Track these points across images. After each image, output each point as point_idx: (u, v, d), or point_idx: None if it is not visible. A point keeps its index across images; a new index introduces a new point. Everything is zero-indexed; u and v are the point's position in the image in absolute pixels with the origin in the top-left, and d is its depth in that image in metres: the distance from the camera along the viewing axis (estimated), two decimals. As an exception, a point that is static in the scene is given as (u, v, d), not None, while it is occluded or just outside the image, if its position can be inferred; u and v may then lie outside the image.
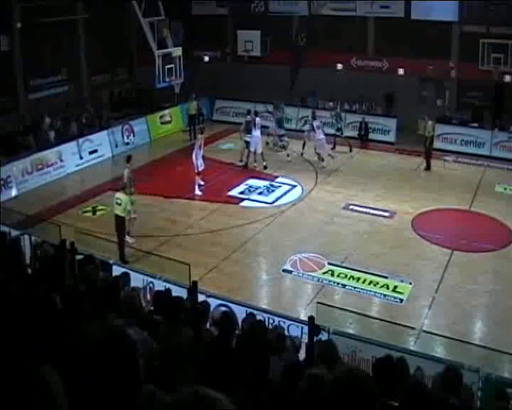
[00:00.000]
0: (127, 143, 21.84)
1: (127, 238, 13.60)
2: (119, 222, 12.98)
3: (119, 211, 12.99)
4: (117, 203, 13.05)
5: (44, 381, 1.65)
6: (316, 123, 19.63)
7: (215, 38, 26.76)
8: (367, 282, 12.21)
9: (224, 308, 8.31)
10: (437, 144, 20.58)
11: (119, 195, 13.09)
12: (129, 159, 14.73)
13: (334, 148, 21.18)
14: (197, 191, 17.17)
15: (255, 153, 19.20)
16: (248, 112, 20.20)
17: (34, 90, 21.10)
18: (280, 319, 8.61)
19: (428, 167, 19.49)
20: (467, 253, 13.60)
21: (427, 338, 9.80)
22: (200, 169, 17.20)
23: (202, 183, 17.52)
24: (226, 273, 12.56)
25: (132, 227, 13.99)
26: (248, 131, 19.36)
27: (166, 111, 23.82)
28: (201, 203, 16.64)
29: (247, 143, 19.31)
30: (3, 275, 5.20)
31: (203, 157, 17.42)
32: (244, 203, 16.75)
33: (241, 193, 17.39)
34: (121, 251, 12.82)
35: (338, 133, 21.35)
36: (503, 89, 21.64)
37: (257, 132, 19.16)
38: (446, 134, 21.50)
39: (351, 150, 21.07)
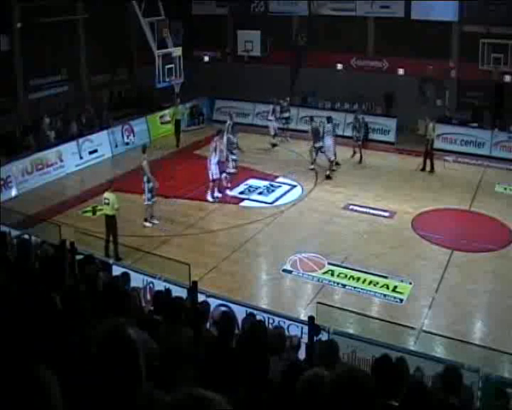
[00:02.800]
0: (127, 143, 21.85)
1: (154, 220, 15.01)
2: (110, 221, 13.14)
3: (108, 210, 13.17)
4: (105, 203, 13.23)
5: (39, 381, 1.65)
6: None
7: (215, 38, 26.75)
8: (367, 282, 12.21)
9: (223, 308, 8.33)
10: (437, 144, 20.56)
11: (107, 194, 13.26)
12: (144, 149, 15.28)
13: (357, 157, 20.34)
14: (209, 197, 16.61)
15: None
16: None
17: (34, 90, 21.11)
18: (280, 319, 8.62)
19: (432, 169, 19.30)
20: (467, 253, 13.60)
21: (427, 338, 9.80)
22: (214, 177, 16.51)
23: (219, 195, 16.77)
24: (226, 273, 12.56)
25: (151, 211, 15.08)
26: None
27: (166, 111, 23.81)
28: (201, 203, 16.63)
29: None
30: (4, 275, 5.20)
31: (220, 163, 16.55)
32: (244, 203, 16.75)
33: (241, 193, 17.39)
34: (116, 249, 12.98)
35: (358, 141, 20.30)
36: (503, 89, 21.64)
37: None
38: (446, 134, 21.50)
39: (353, 156, 20.56)
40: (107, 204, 13.13)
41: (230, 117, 19.04)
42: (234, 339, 5.20)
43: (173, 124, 22.50)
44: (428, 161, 19.36)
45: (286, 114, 22.77)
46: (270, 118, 21.88)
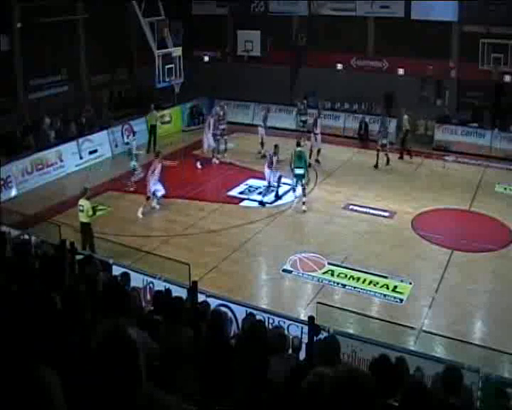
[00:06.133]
0: (127, 143, 21.81)
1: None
2: (85, 229, 12.73)
3: (82, 217, 12.81)
4: (80, 210, 12.86)
5: (42, 381, 1.65)
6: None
7: (215, 38, 26.75)
8: (367, 282, 12.21)
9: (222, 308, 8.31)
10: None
11: (81, 201, 12.89)
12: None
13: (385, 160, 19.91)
14: (139, 213, 15.55)
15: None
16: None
17: (34, 90, 21.08)
18: (280, 319, 8.61)
19: (401, 157, 20.38)
20: (467, 253, 13.60)
21: (427, 338, 9.80)
22: (150, 194, 15.74)
23: (141, 215, 15.51)
24: (226, 273, 12.56)
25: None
26: None
27: (166, 111, 23.81)
28: (201, 203, 16.63)
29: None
30: (4, 275, 5.20)
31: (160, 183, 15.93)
32: (244, 203, 16.75)
33: (241, 193, 17.40)
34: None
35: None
36: (503, 89, 21.65)
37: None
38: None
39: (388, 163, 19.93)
40: (82, 211, 12.77)
41: (222, 108, 20.58)
42: (233, 339, 5.20)
43: (148, 129, 21.64)
44: (400, 152, 20.38)
45: (303, 117, 22.61)
46: (260, 123, 21.15)
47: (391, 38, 23.28)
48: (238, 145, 21.41)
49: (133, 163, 17.77)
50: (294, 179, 16.28)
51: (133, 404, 1.97)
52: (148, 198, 15.80)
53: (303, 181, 16.20)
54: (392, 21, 22.86)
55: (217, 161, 19.82)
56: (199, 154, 20.24)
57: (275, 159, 16.77)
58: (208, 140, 19.84)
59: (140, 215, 15.54)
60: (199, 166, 19.24)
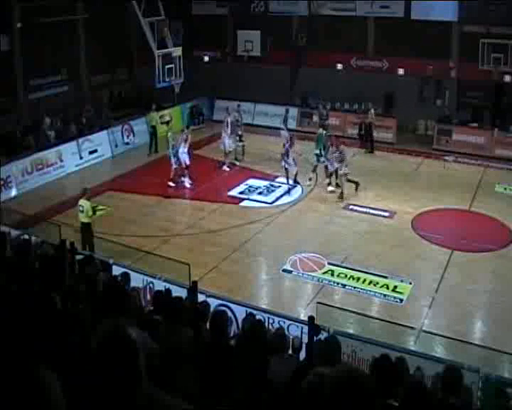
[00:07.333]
0: (127, 143, 21.84)
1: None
2: (85, 229, 12.66)
3: (82, 218, 12.71)
4: (80, 211, 12.75)
5: (42, 381, 1.65)
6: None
7: (215, 38, 26.75)
8: (367, 282, 12.20)
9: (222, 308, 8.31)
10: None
11: (81, 201, 12.79)
12: None
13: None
14: (187, 183, 17.87)
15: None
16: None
17: (34, 90, 21.09)
18: (280, 319, 8.62)
19: (372, 150, 21.29)
20: (467, 253, 13.60)
21: (427, 338, 9.80)
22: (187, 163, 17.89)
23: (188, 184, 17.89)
24: (226, 273, 12.56)
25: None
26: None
27: (166, 111, 23.80)
28: (201, 203, 16.64)
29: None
30: (4, 275, 5.20)
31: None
32: (244, 203, 16.74)
33: (241, 193, 17.39)
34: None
35: None
36: (503, 89, 21.65)
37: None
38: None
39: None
40: (82, 211, 12.69)
41: (239, 112, 20.79)
42: (233, 339, 5.20)
43: (149, 131, 21.53)
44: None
45: (326, 122, 21.78)
46: (281, 126, 20.75)
47: (391, 38, 23.28)
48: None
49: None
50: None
51: (133, 404, 1.97)
52: (186, 168, 17.71)
53: (320, 160, 17.94)
54: (392, 21, 22.85)
55: (227, 169, 19.53)
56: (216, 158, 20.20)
57: (291, 150, 17.76)
58: (225, 142, 19.61)
59: (188, 185, 17.69)
60: (226, 168, 19.51)
